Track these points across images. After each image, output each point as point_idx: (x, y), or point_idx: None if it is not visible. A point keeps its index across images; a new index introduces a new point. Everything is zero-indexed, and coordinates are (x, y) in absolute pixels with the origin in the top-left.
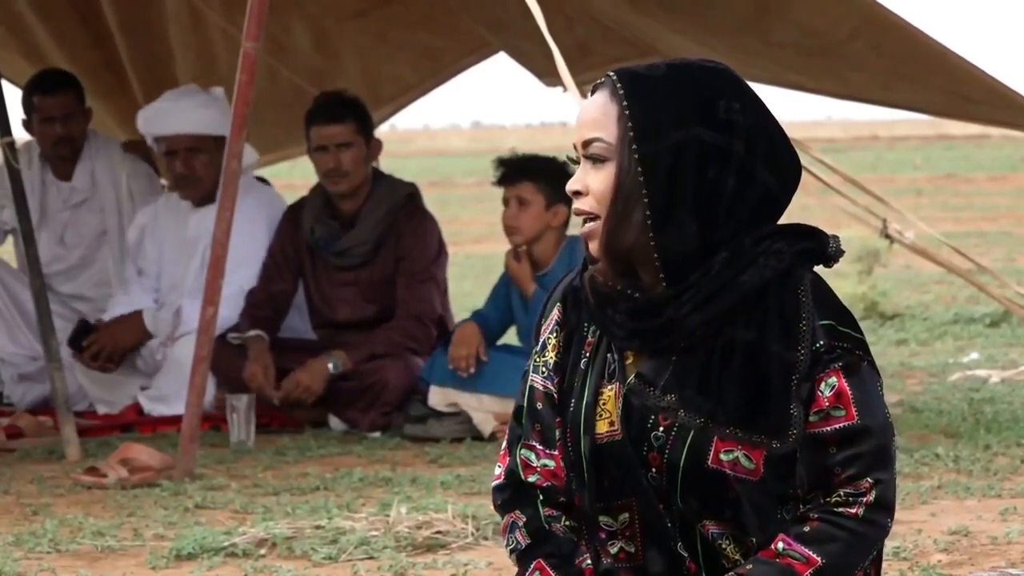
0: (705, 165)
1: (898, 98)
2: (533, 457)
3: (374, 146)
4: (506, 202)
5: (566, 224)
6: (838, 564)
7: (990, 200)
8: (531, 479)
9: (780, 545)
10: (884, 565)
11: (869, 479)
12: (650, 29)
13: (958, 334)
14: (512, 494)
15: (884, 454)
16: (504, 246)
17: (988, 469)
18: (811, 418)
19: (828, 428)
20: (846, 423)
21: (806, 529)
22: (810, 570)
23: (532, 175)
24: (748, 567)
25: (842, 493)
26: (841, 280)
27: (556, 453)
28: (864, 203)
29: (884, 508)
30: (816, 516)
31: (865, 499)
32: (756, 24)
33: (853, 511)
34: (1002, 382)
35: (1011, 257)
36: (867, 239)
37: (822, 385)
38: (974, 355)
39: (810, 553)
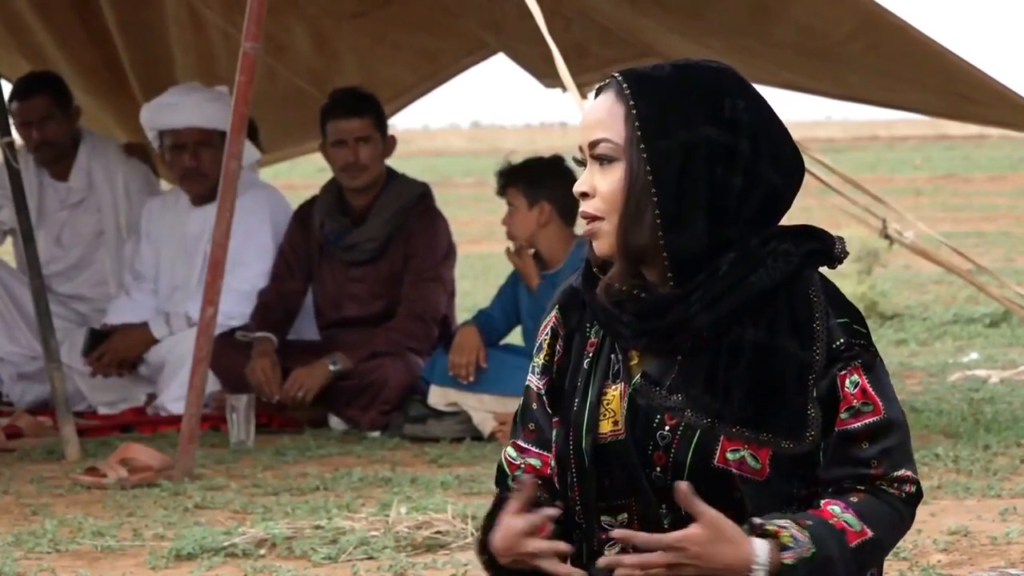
0: (713, 164)
1: (897, 98)
2: (515, 455)
3: (389, 142)
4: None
5: (567, 221)
6: (883, 540)
7: (989, 200)
8: (514, 475)
9: (836, 507)
10: (884, 565)
11: (905, 471)
12: (649, 29)
13: (958, 334)
14: (501, 493)
15: (909, 447)
16: (501, 245)
17: (988, 469)
18: (842, 415)
19: (859, 424)
20: (874, 418)
21: (854, 499)
22: (859, 540)
23: (513, 179)
24: (808, 522)
25: (884, 481)
26: (841, 280)
27: (547, 454)
28: (863, 203)
29: (919, 498)
30: (863, 489)
31: (908, 488)
32: (755, 25)
33: (898, 493)
34: (1002, 382)
35: (1010, 257)
36: (867, 239)
37: (847, 383)
38: (974, 355)
39: (864, 525)
